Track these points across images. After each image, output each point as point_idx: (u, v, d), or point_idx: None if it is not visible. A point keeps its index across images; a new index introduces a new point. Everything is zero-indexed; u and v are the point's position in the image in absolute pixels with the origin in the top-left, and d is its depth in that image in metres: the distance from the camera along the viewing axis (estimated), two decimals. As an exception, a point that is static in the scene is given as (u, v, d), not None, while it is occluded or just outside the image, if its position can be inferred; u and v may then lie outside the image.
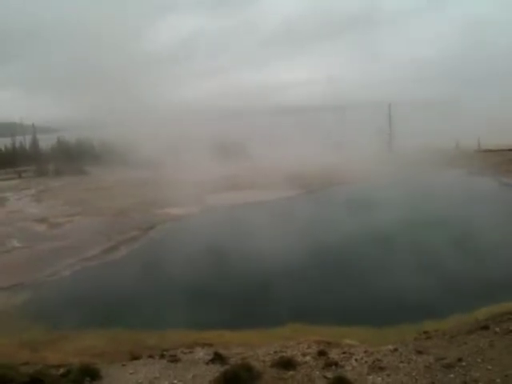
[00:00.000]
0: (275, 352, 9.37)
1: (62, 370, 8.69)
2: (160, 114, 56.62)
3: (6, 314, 13.96)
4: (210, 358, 9.10)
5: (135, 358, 9.57)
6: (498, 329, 9.35)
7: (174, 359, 9.23)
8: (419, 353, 8.58)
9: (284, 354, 9.09)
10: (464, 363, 7.91)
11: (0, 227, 24.98)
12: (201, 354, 9.73)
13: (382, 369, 8.02)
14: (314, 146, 45.68)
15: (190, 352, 9.98)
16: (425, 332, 10.07)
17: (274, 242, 18.40)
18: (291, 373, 8.04)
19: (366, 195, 28.15)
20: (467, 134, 48.08)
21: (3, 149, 59.40)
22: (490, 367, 7.68)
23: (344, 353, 9.03)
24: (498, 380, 7.25)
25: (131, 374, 8.59)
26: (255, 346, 10.01)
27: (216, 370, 8.35)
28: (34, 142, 57.52)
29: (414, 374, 7.73)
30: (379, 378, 7.69)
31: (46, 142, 58.38)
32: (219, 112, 61.79)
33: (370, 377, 7.78)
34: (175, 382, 7.98)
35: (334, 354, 8.96)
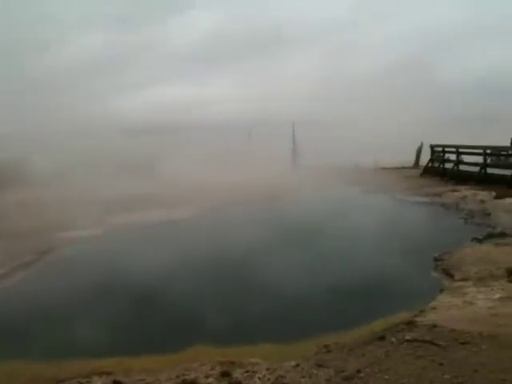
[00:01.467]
0: (177, 376, 9.08)
1: None
2: (72, 128, 53.87)
3: None
4: (108, 386, 8.62)
5: (27, 392, 8.81)
6: (393, 339, 9.76)
7: (69, 391, 8.63)
8: (320, 366, 8.72)
9: (187, 377, 8.84)
10: (362, 374, 8.15)
11: None
12: (99, 383, 9.20)
13: (284, 385, 8.05)
14: (227, 162, 46.09)
15: (88, 382, 9.40)
16: (325, 346, 10.18)
17: (176, 260, 18.04)
18: (193, 396, 7.83)
19: (266, 211, 29.73)
20: (366, 152, 51.15)
21: None
22: (386, 377, 7.98)
23: (247, 372, 8.96)
24: (394, 389, 7.55)
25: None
26: (157, 372, 9.59)
27: (114, 399, 7.92)
28: None
29: (314, 388, 7.82)
30: (281, 395, 7.70)
31: None
32: (134, 127, 60.02)
33: (273, 394, 7.78)
34: (69, 415, 7.45)
35: (237, 374, 8.86)
